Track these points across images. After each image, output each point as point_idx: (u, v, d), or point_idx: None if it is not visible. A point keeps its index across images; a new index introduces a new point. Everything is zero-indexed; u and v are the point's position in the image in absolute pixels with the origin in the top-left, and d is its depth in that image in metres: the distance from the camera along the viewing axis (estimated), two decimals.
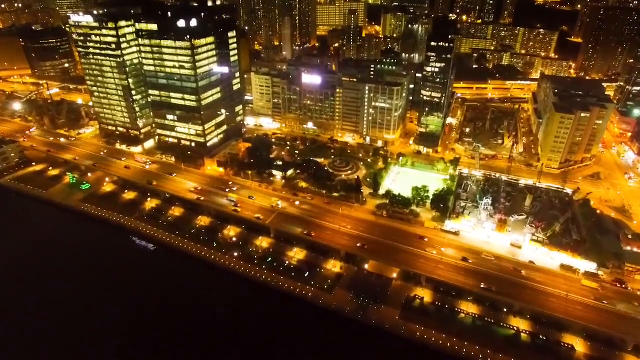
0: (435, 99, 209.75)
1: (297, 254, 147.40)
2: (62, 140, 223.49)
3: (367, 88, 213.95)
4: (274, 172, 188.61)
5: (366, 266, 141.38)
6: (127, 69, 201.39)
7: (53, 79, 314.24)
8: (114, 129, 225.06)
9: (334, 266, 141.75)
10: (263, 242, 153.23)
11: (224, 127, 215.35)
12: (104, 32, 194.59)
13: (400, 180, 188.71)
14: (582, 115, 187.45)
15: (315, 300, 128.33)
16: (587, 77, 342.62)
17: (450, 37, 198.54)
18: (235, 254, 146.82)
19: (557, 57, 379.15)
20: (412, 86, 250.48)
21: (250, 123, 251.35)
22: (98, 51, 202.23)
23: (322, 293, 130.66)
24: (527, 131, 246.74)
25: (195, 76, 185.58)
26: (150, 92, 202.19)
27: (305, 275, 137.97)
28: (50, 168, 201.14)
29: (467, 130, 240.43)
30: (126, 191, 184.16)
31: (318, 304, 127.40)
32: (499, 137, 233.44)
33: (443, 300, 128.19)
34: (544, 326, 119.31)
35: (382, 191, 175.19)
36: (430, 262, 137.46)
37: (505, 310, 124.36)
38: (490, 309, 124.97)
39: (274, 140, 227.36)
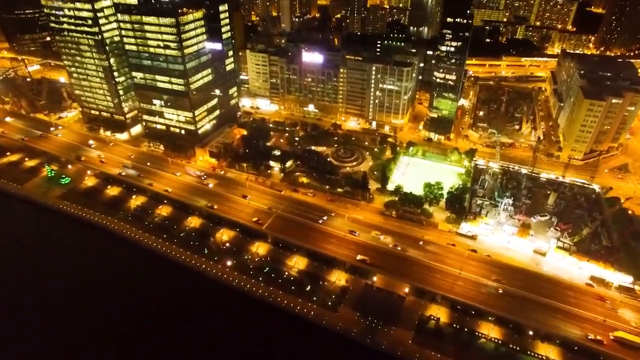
0: (450, 81, 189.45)
1: (297, 263, 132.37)
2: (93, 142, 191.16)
3: (373, 68, 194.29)
4: (272, 163, 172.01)
5: (374, 278, 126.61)
6: (107, 47, 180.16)
7: (34, 53, 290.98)
8: (97, 113, 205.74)
9: (338, 278, 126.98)
10: (259, 248, 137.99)
11: (217, 112, 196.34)
12: (78, 5, 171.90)
13: (410, 172, 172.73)
14: (614, 101, 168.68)
15: (318, 320, 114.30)
16: (609, 53, 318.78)
17: (468, 12, 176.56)
18: (229, 263, 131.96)
19: (574, 29, 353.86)
20: (421, 64, 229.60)
21: (246, 104, 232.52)
22: (73, 27, 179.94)
23: (325, 311, 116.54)
24: (545, 115, 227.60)
25: (182, 57, 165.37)
26: (134, 74, 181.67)
27: (307, 289, 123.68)
28: (27, 159, 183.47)
29: (481, 113, 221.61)
30: (109, 186, 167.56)
31: (321, 325, 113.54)
32: (516, 122, 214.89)
33: (461, 321, 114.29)
34: (577, 355, 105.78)
35: (390, 186, 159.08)
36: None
37: (531, 334, 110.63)
38: (513, 332, 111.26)
39: (271, 125, 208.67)
